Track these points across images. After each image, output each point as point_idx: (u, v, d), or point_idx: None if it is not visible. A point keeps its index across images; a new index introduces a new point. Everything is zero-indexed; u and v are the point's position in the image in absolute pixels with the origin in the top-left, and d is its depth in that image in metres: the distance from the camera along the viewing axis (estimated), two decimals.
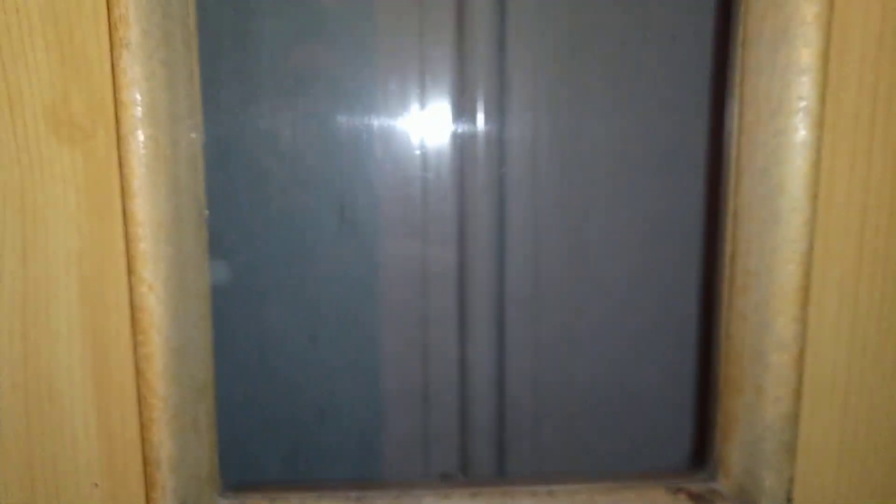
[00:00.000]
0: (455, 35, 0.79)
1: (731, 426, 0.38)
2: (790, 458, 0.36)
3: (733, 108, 0.34)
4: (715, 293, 0.38)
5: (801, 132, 0.32)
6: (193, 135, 0.36)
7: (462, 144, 0.81)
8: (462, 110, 0.81)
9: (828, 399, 0.37)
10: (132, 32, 0.32)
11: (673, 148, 0.82)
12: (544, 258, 0.84)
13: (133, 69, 0.33)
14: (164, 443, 0.35)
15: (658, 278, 0.86)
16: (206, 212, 0.37)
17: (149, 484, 0.36)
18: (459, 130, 0.81)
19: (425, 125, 0.80)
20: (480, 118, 0.81)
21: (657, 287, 0.86)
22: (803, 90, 0.32)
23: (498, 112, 0.81)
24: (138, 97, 0.33)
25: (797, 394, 0.35)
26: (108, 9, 0.33)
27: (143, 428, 0.35)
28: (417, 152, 0.80)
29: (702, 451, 0.42)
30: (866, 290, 0.36)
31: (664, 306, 0.85)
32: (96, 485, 0.37)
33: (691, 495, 0.39)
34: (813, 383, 0.36)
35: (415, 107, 0.80)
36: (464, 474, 0.80)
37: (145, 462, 0.36)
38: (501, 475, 0.83)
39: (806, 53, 0.31)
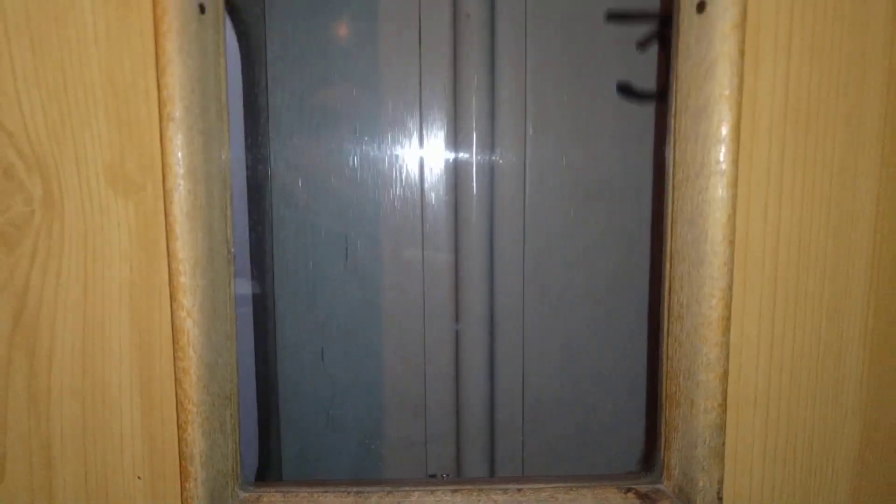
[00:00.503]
0: (450, 84, 0.87)
1: (671, 434, 0.44)
2: (719, 461, 0.42)
3: (669, 168, 0.41)
4: (659, 321, 0.45)
5: (719, 190, 0.38)
6: (224, 189, 0.44)
7: (457, 173, 0.88)
8: (456, 146, 0.89)
9: (751, 411, 0.43)
10: (176, 109, 0.40)
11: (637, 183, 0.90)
12: (529, 288, 0.91)
13: (177, 137, 0.40)
14: (196, 441, 0.41)
15: (618, 306, 0.93)
16: (233, 251, 0.44)
17: (183, 476, 0.42)
18: (454, 163, 0.89)
19: (425, 163, 0.88)
20: (474, 150, 0.89)
21: (619, 313, 0.93)
22: (720, 156, 0.38)
23: (489, 145, 0.89)
24: (180, 159, 0.40)
25: (723, 407, 0.41)
26: (158, 89, 0.40)
27: (180, 429, 0.41)
28: (416, 183, 0.88)
29: (650, 456, 0.47)
30: (780, 319, 0.42)
31: (624, 331, 0.92)
32: (139, 477, 0.43)
33: (639, 494, 0.45)
34: (737, 398, 0.42)
35: (415, 145, 0.88)
36: (456, 476, 0.86)
37: (181, 457, 0.42)
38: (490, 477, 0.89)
39: (721, 126, 0.38)
